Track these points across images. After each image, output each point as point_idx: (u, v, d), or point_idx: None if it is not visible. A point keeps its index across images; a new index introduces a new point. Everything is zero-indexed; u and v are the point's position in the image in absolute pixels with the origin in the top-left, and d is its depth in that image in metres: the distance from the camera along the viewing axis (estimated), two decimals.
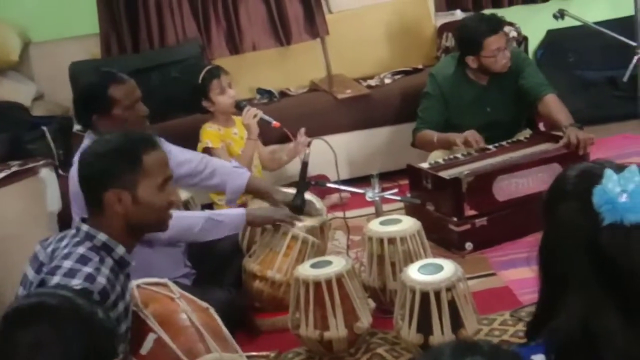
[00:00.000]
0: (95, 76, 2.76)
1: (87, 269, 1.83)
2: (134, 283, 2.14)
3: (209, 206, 3.69)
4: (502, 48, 3.51)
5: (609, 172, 1.30)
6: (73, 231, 1.96)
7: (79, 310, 1.28)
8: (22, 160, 3.15)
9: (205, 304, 2.17)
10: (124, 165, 1.95)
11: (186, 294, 2.19)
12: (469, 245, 3.18)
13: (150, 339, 1.96)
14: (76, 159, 2.64)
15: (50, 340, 1.22)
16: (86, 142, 2.66)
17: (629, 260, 1.26)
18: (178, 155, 2.91)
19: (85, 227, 1.94)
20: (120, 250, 1.94)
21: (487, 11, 4.17)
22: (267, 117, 3.52)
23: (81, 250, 1.88)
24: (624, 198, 1.27)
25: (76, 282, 1.80)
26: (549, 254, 1.39)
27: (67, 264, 1.84)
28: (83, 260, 1.85)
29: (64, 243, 1.93)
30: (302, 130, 3.74)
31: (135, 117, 2.68)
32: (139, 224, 2.00)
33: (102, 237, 1.92)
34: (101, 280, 1.83)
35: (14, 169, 2.98)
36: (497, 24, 3.54)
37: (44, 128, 3.59)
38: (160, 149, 2.05)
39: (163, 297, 2.12)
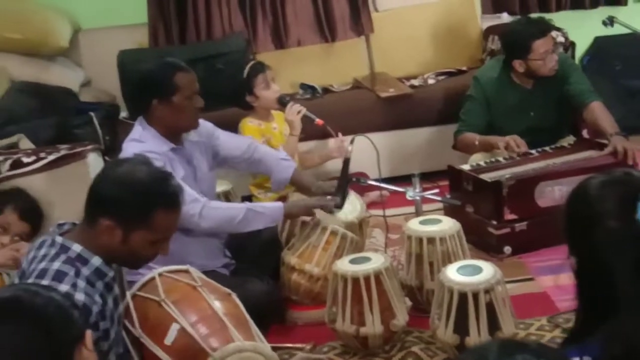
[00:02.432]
0: (160, 63, 2.79)
1: (63, 287, 1.77)
2: (156, 272, 2.15)
3: (249, 198, 3.73)
4: (550, 51, 3.50)
5: None
6: (50, 239, 1.90)
7: (35, 298, 1.32)
8: (70, 144, 3.21)
9: (227, 290, 2.17)
10: (135, 211, 1.88)
11: (208, 280, 2.19)
12: (507, 249, 3.17)
13: (173, 328, 1.98)
14: (125, 145, 2.70)
15: (17, 329, 1.26)
16: (137, 128, 2.72)
17: None
18: (228, 141, 2.98)
19: (59, 239, 1.88)
20: (95, 261, 1.88)
21: (535, 15, 4.13)
22: (310, 114, 3.52)
23: (56, 265, 1.84)
24: None
25: None
26: (591, 277, 1.37)
27: (44, 282, 1.78)
28: (58, 276, 1.81)
29: (41, 252, 1.89)
30: (344, 139, 3.66)
31: (192, 108, 2.72)
32: (115, 259, 1.95)
33: (76, 248, 1.87)
34: (79, 297, 1.79)
35: (62, 152, 3.04)
36: (545, 27, 3.53)
37: (92, 114, 3.65)
38: (178, 210, 1.96)
39: (185, 285, 2.14)
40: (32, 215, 2.88)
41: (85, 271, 1.87)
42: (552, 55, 3.51)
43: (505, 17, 4.64)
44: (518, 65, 3.54)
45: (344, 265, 2.60)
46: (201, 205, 2.65)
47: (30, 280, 1.82)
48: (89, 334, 1.34)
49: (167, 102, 2.67)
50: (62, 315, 1.31)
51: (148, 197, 1.90)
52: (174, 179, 1.99)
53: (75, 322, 1.35)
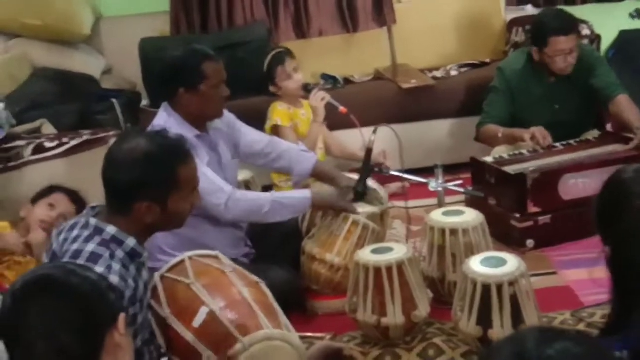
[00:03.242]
0: (187, 51, 2.76)
1: (98, 269, 1.76)
2: (186, 255, 2.14)
3: (270, 187, 3.72)
4: (567, 52, 3.43)
5: None
6: (83, 221, 1.91)
7: (70, 276, 1.32)
8: (92, 130, 3.22)
9: (256, 278, 2.15)
10: (159, 178, 1.90)
11: (238, 267, 2.19)
12: (530, 243, 3.14)
13: (202, 312, 1.96)
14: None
15: (50, 306, 1.26)
16: (162, 114, 2.71)
17: None
18: (248, 135, 2.95)
19: (93, 222, 1.88)
20: (130, 242, 1.89)
21: (560, 7, 4.08)
22: (334, 102, 3.50)
23: (91, 247, 1.84)
24: None
25: None
26: (624, 264, 1.35)
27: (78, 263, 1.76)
28: (93, 258, 1.81)
29: (74, 234, 1.89)
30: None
31: (218, 97, 2.71)
32: (160, 229, 2.01)
33: (110, 230, 1.87)
34: (114, 279, 1.79)
35: (85, 137, 3.05)
36: (569, 26, 3.45)
37: (114, 100, 3.66)
38: (193, 158, 1.99)
39: (215, 270, 2.12)
40: (81, 201, 2.91)
41: (120, 253, 1.87)
42: (566, 57, 3.44)
43: (529, 10, 4.59)
44: (535, 52, 3.51)
45: (366, 255, 2.57)
46: (227, 196, 2.64)
47: (65, 260, 1.82)
48: (122, 318, 1.32)
49: (194, 90, 2.66)
50: (97, 296, 1.30)
51: (166, 164, 1.92)
52: (169, 132, 2.01)
53: (111, 303, 1.33)
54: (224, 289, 2.06)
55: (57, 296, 1.28)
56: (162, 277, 2.09)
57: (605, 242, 1.41)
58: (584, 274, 2.89)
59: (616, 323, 1.36)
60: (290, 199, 2.76)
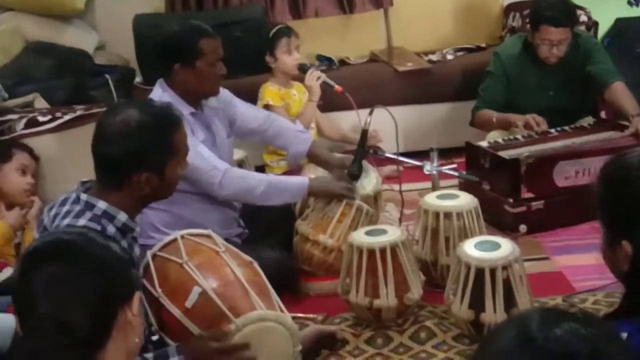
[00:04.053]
0: (185, 26, 2.74)
1: None
2: (178, 233, 2.13)
3: (262, 167, 3.70)
4: (555, 43, 3.41)
5: None
6: (73, 196, 1.89)
7: (92, 244, 1.27)
8: (86, 105, 3.19)
9: (249, 258, 2.15)
10: (156, 147, 1.88)
11: (231, 247, 2.18)
12: (522, 228, 3.14)
13: (195, 292, 1.95)
14: None
15: (66, 274, 1.20)
16: (157, 90, 2.68)
17: None
18: (245, 112, 2.93)
19: (84, 197, 1.86)
20: (122, 217, 1.86)
21: None
22: (330, 81, 3.49)
23: (82, 222, 1.82)
24: None
25: None
26: None
27: None
28: None
29: (64, 209, 1.87)
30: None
31: (214, 74, 2.68)
32: (154, 199, 1.99)
33: (101, 205, 1.85)
34: None
35: (79, 112, 3.02)
36: (563, 19, 3.40)
37: (107, 76, 3.62)
38: (182, 122, 1.98)
39: (208, 249, 2.10)
40: (32, 151, 2.95)
41: (111, 229, 1.85)
42: (551, 47, 3.41)
43: None
44: (529, 34, 3.51)
45: (360, 236, 2.57)
46: (221, 174, 2.62)
47: None
48: (137, 297, 1.28)
49: (190, 67, 2.63)
50: (119, 269, 1.25)
51: (161, 132, 1.90)
52: (154, 100, 2.04)
53: (130, 278, 1.28)
54: (217, 269, 2.04)
55: (76, 265, 1.21)
56: (154, 256, 2.08)
57: (616, 235, 1.37)
58: (576, 260, 2.91)
59: (627, 307, 1.35)
60: (287, 183, 2.74)
